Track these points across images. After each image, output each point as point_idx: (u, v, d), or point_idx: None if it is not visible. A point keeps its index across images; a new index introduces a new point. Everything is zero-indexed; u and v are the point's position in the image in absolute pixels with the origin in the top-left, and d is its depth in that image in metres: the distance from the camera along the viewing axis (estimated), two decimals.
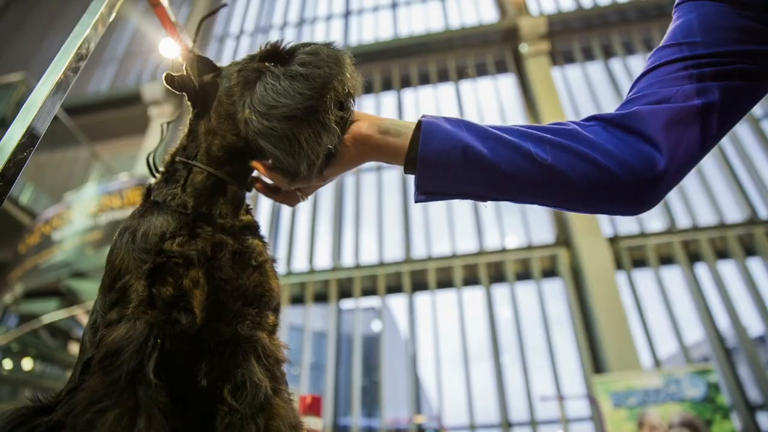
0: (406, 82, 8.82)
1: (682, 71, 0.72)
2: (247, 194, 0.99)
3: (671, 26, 0.80)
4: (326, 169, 0.83)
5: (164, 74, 0.93)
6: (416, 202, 0.80)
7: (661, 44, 0.79)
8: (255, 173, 0.99)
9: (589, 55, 8.29)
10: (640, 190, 0.70)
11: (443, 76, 8.69)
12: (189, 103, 0.98)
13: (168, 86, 0.94)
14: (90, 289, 5.19)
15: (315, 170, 0.79)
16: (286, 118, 0.75)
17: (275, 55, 0.86)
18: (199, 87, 0.96)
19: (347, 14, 10.11)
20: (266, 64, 0.85)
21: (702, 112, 0.69)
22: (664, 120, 0.69)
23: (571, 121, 0.77)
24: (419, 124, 0.77)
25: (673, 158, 0.69)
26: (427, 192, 0.76)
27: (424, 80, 8.75)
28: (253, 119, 0.78)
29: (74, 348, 6.21)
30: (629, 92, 0.78)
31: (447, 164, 0.73)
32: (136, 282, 0.79)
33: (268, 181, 0.97)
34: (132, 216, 0.91)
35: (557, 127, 0.75)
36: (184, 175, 0.93)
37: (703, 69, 0.71)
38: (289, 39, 0.87)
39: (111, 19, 1.03)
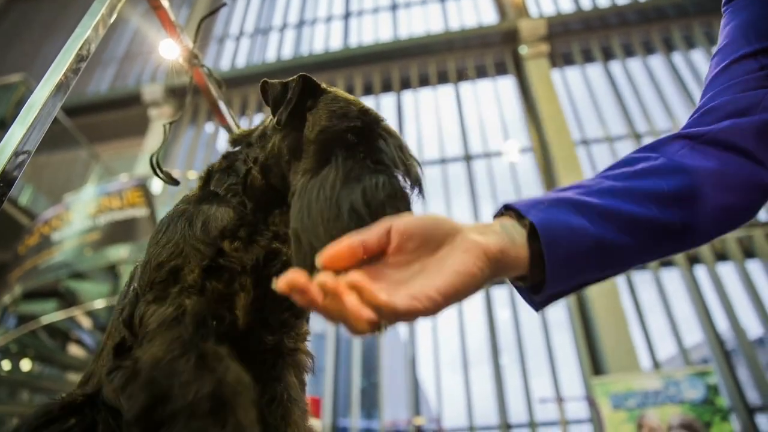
0: (405, 84, 8.82)
1: (757, 71, 0.67)
2: None
3: (727, 26, 0.75)
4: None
5: (263, 81, 0.86)
6: (538, 311, 0.69)
7: (721, 44, 0.74)
8: None
9: (588, 57, 8.29)
10: (756, 209, 0.66)
11: (443, 78, 8.69)
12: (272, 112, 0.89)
13: (261, 92, 0.87)
14: (89, 289, 5.18)
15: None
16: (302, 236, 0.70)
17: (363, 133, 0.79)
18: (291, 111, 0.84)
19: (347, 16, 10.11)
20: (349, 137, 0.77)
21: None
22: (761, 132, 0.64)
23: (652, 146, 0.69)
24: (533, 229, 0.59)
25: None
26: (552, 298, 0.66)
27: (424, 82, 8.76)
28: (295, 209, 0.75)
29: (73, 349, 6.20)
30: (703, 96, 0.72)
31: (576, 266, 0.61)
32: (187, 267, 0.77)
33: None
34: (186, 200, 0.88)
35: (653, 165, 0.66)
36: (243, 171, 0.90)
37: None
38: (385, 118, 0.80)
39: (111, 20, 1.03)
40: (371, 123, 0.79)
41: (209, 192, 0.90)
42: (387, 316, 0.48)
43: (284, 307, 0.85)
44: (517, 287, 0.67)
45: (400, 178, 0.74)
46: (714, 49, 0.77)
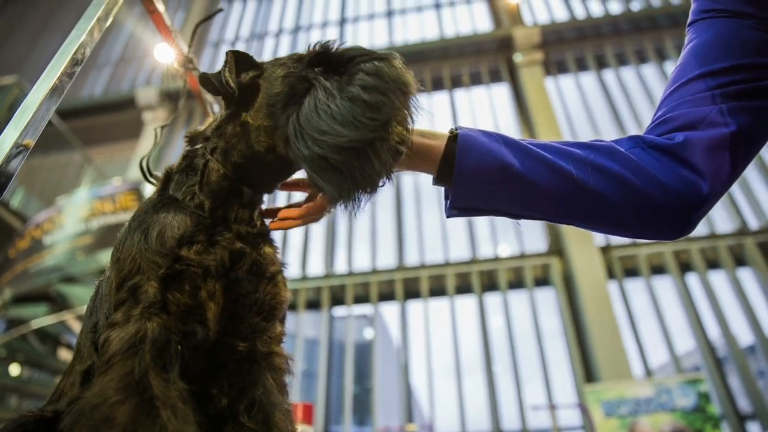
0: None
1: (707, 91, 0.72)
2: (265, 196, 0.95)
3: (687, 45, 0.80)
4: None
5: (200, 74, 0.86)
6: (448, 216, 0.77)
7: (681, 61, 0.80)
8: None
9: (582, 66, 8.36)
10: (682, 216, 0.70)
11: (438, 84, 8.73)
12: (224, 102, 0.91)
13: (203, 87, 0.87)
14: (80, 294, 5.15)
15: (360, 205, 0.73)
16: (341, 150, 0.68)
17: (327, 59, 0.78)
18: (237, 89, 0.85)
19: (342, 22, 10.14)
20: (315, 70, 0.77)
21: (737, 136, 0.69)
22: (706, 146, 0.69)
23: (611, 141, 0.76)
24: (455, 135, 0.72)
25: (715, 184, 0.69)
26: (459, 207, 0.74)
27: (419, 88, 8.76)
28: (299, 145, 0.71)
29: (63, 353, 6.15)
30: (657, 111, 0.78)
31: (484, 181, 0.70)
32: (147, 284, 0.75)
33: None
34: (145, 211, 0.86)
35: (598, 144, 0.74)
36: (201, 167, 0.88)
37: (728, 87, 0.71)
38: (339, 40, 0.79)
39: (107, 24, 1.03)
40: (329, 46, 0.79)
41: (167, 198, 0.87)
42: None
43: (254, 311, 0.84)
44: (445, 192, 0.77)
45: (390, 58, 0.74)
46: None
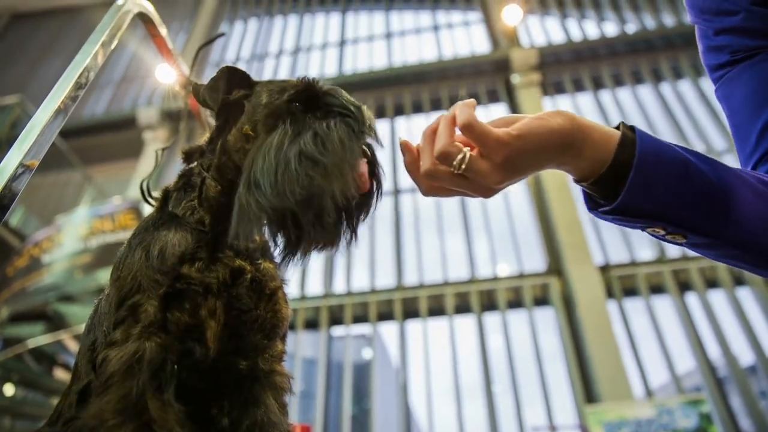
0: (399, 111, 8.91)
1: None
2: None
3: (729, 97, 0.77)
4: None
5: (192, 84, 0.88)
6: (610, 221, 0.63)
7: (738, 114, 0.76)
8: None
9: (579, 86, 8.45)
10: None
11: (436, 105, 8.81)
12: (213, 116, 0.93)
13: (195, 97, 0.89)
14: (78, 313, 5.12)
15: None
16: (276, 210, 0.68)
17: (307, 98, 0.79)
18: (223, 104, 0.88)
19: (342, 43, 10.27)
20: (295, 104, 0.78)
21: None
22: None
23: None
24: (627, 126, 0.62)
25: None
26: (629, 207, 0.59)
27: (417, 109, 8.86)
28: (251, 202, 0.71)
29: (59, 373, 6.09)
30: (749, 160, 0.74)
31: (666, 174, 0.58)
32: (147, 302, 0.74)
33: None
34: (145, 228, 0.85)
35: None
36: (199, 184, 0.88)
37: None
38: (323, 82, 0.80)
39: (111, 48, 1.05)
40: (312, 85, 0.79)
41: (167, 214, 0.87)
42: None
43: (255, 329, 0.83)
44: (586, 193, 0.67)
45: (353, 120, 0.73)
46: (707, 84, 0.81)
